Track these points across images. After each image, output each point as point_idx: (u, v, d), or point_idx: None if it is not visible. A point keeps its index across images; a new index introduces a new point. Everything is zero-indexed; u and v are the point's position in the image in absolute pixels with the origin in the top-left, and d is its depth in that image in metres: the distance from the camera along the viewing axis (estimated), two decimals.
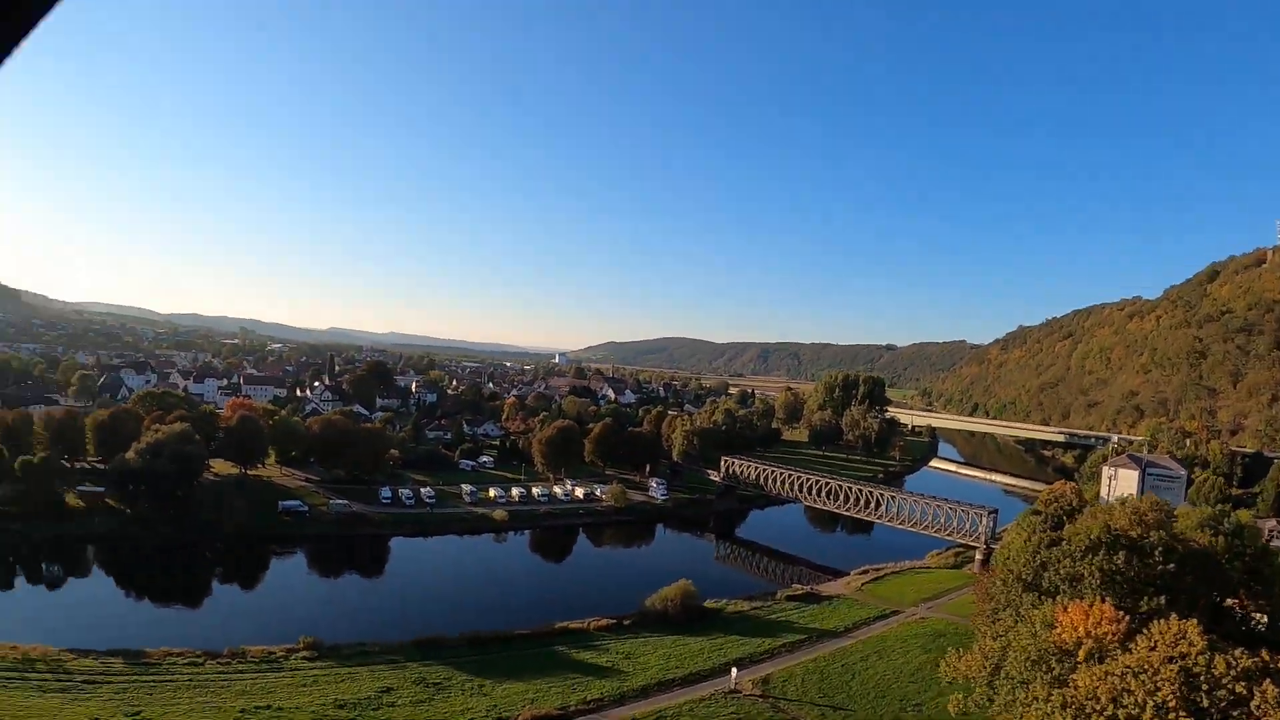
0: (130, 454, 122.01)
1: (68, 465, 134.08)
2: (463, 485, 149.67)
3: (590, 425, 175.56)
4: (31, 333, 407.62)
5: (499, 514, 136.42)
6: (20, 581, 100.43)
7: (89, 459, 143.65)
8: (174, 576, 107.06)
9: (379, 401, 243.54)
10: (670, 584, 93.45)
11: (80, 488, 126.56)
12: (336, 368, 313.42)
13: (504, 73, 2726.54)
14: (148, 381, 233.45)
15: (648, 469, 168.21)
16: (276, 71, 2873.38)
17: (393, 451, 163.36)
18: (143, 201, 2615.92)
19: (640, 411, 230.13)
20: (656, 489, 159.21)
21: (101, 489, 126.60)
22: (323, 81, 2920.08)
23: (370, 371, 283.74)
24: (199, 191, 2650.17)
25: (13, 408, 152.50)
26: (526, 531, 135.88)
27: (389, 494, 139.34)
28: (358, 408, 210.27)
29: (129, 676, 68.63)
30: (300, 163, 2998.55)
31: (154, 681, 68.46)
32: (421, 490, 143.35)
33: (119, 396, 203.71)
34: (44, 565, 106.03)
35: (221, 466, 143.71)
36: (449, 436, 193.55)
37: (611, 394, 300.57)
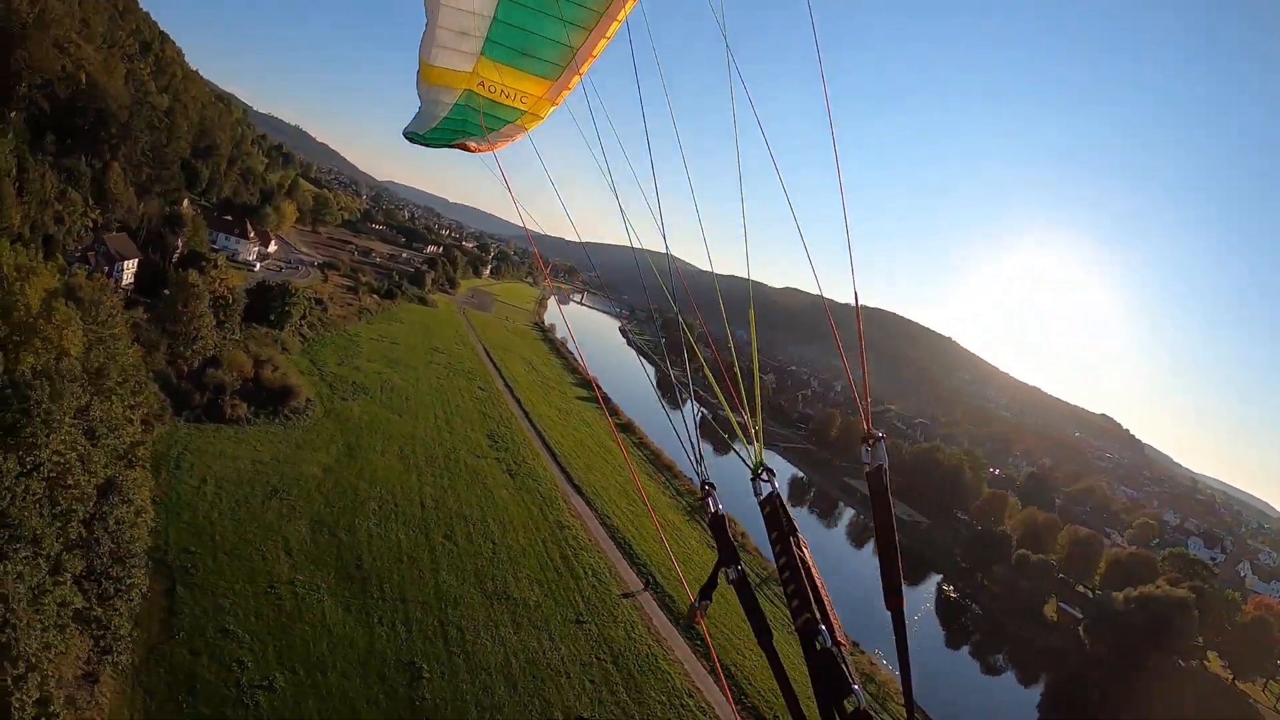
0: (1119, 595, 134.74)
1: (1062, 579, 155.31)
2: None
3: None
4: (1140, 480, 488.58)
5: None
6: (964, 652, 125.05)
7: (1091, 586, 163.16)
8: None
9: None
10: None
11: (1063, 604, 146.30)
12: None
13: None
14: (1215, 556, 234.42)
15: None
16: None
17: None
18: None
19: None
20: None
21: (1079, 615, 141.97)
22: None
23: None
24: None
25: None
26: None
27: None
28: None
29: None
30: None
31: None
32: None
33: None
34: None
35: None
36: None
37: None
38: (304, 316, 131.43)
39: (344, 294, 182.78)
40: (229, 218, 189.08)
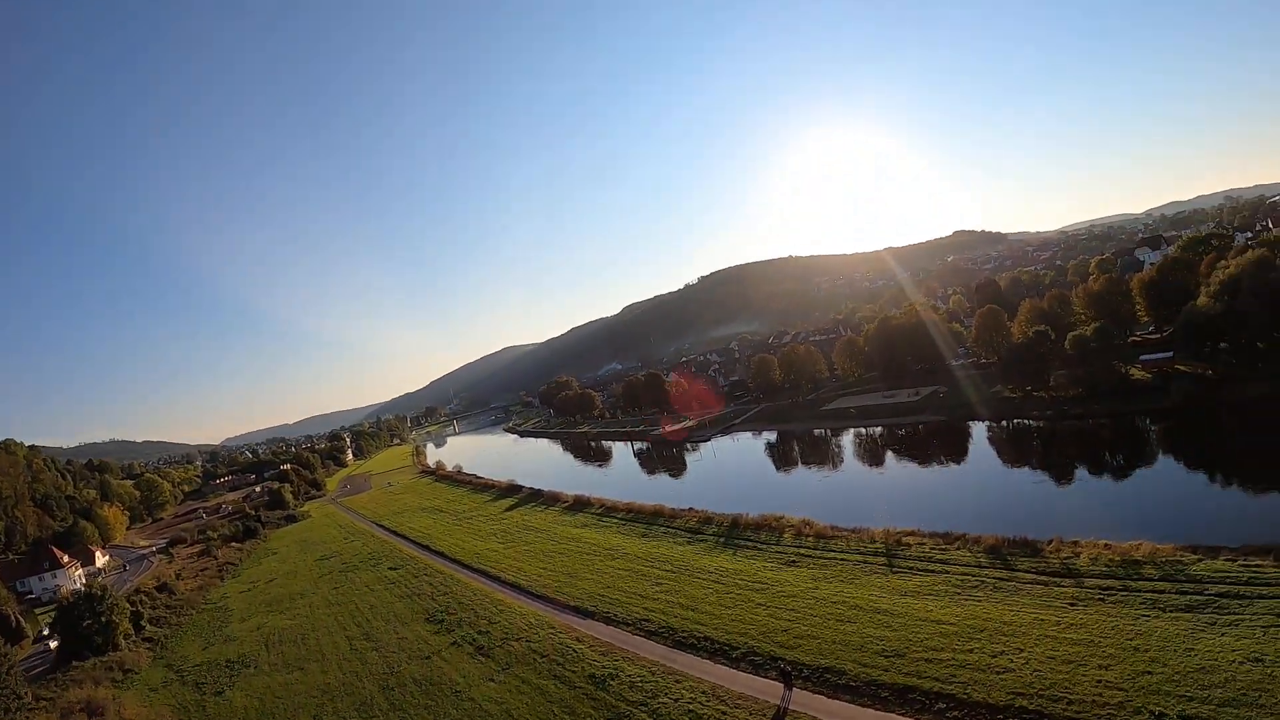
0: (1202, 299, 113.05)
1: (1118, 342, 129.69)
2: None
3: None
4: (1026, 257, 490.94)
5: None
6: (1081, 471, 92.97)
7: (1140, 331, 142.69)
8: (1252, 451, 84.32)
9: None
10: None
11: (1144, 357, 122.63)
12: None
13: None
14: (1163, 255, 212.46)
15: None
16: None
17: None
18: None
19: None
20: None
21: (1168, 354, 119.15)
22: None
23: None
24: None
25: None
26: None
27: None
28: None
29: None
30: None
31: None
32: None
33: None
34: (1103, 451, 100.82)
35: None
36: None
37: None
38: (140, 619, 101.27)
39: (196, 561, 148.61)
40: (35, 558, 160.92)
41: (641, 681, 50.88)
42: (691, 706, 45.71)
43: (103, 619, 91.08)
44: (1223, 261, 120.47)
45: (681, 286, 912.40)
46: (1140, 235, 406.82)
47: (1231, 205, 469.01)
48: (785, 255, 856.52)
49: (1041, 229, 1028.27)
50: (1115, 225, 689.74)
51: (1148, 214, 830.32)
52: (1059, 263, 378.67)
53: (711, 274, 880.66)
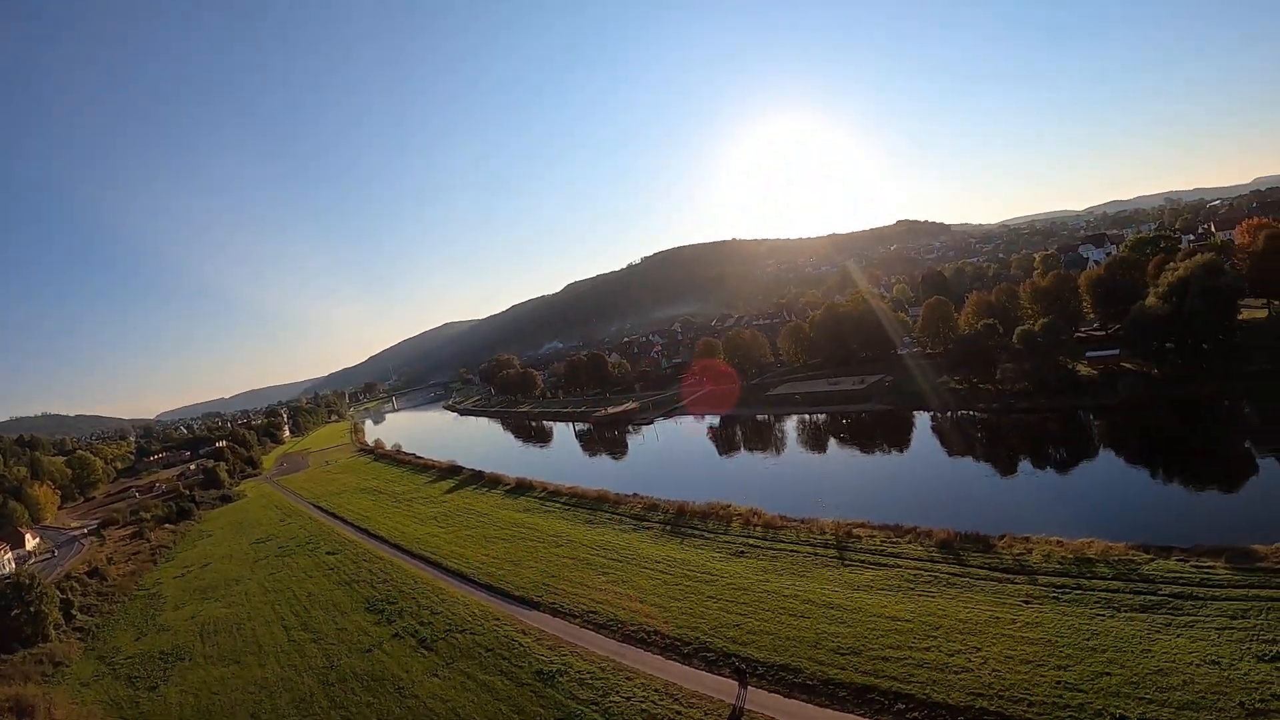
0: (1150, 299, 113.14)
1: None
2: None
3: None
4: (969, 249, 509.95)
5: None
6: (1028, 465, 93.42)
7: (1086, 327, 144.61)
8: (1196, 450, 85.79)
9: None
10: None
11: (1090, 353, 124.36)
12: None
13: None
14: (1106, 253, 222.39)
15: None
16: None
17: None
18: None
19: None
20: None
21: (1115, 351, 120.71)
22: None
23: None
24: None
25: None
26: None
27: None
28: None
29: (1240, 589, 44.27)
30: None
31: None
32: None
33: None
34: (1049, 446, 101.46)
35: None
36: None
37: None
38: (70, 608, 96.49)
39: (129, 544, 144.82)
40: None
41: (591, 678, 49.41)
42: (644, 705, 44.41)
43: (32, 608, 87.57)
44: (1171, 264, 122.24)
45: (624, 266, 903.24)
46: (1083, 232, 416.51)
47: (1172, 207, 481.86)
48: (730, 238, 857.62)
49: (984, 221, 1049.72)
50: (1057, 221, 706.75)
51: (1089, 211, 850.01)
52: (1002, 255, 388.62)
53: (655, 255, 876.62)
